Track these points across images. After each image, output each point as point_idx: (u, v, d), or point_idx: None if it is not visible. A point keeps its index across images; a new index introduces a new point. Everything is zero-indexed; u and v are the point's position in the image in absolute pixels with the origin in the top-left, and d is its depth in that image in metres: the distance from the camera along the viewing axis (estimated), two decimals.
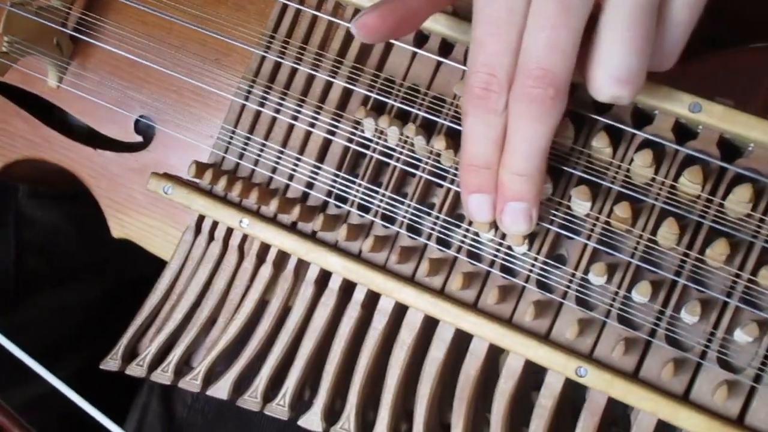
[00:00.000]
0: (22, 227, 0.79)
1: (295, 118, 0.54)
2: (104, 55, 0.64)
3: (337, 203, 0.53)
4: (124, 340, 0.56)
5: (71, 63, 0.64)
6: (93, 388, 0.70)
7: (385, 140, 0.51)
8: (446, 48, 0.52)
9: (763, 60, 0.55)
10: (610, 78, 0.41)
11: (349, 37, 0.53)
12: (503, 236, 0.49)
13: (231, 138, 0.55)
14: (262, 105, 0.55)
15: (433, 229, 0.50)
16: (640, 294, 0.45)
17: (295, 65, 0.54)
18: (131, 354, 0.57)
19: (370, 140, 0.52)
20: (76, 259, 0.81)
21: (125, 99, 0.63)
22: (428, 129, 0.51)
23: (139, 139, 0.64)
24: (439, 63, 0.51)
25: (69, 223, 0.81)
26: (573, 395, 0.49)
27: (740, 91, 0.53)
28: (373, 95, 0.52)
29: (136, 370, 0.56)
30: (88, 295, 0.81)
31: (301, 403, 0.54)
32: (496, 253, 0.49)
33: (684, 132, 0.48)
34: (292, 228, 0.53)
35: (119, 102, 0.63)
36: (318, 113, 0.53)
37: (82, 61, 0.65)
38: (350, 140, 0.53)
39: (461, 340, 0.50)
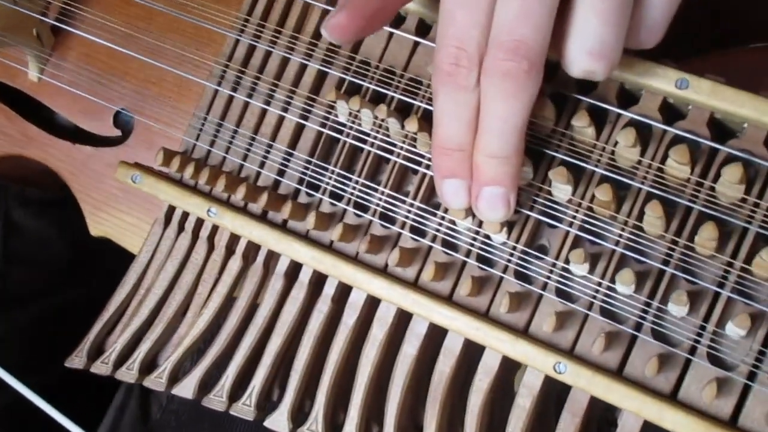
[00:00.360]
0: (10, 236, 0.77)
1: (268, 104, 0.52)
2: (84, 46, 0.62)
3: (309, 191, 0.50)
4: (90, 337, 0.54)
5: (52, 54, 0.63)
6: (77, 396, 0.68)
7: (359, 125, 0.49)
8: (423, 28, 0.49)
9: (763, 60, 0.52)
10: (583, 51, 0.38)
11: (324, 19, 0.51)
12: (480, 224, 0.46)
13: (203, 125, 0.53)
14: (234, 90, 0.53)
15: (407, 217, 0.47)
16: (624, 284, 0.42)
17: (270, 48, 0.52)
18: (97, 351, 0.54)
19: (344, 125, 0.50)
20: (64, 269, 0.79)
21: (105, 91, 0.61)
22: (405, 113, 0.48)
23: (117, 133, 0.62)
24: (416, 44, 0.49)
25: (58, 233, 0.79)
26: (561, 395, 0.45)
27: None
28: (348, 78, 0.50)
29: (101, 368, 0.53)
30: (74, 305, 0.79)
31: (269, 403, 0.51)
32: (473, 243, 0.46)
33: (673, 113, 0.44)
34: (262, 218, 0.51)
35: (98, 95, 0.61)
36: (291, 98, 0.51)
37: (61, 54, 0.63)
38: (323, 125, 0.50)
39: (436, 336, 0.47)
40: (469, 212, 0.45)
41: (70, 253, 0.79)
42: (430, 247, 0.47)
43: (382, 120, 0.48)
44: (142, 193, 0.59)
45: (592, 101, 0.45)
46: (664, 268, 0.42)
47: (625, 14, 0.38)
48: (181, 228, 0.53)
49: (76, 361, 0.54)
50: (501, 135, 0.39)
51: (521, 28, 0.37)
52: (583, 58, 0.38)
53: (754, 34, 0.53)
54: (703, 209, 0.42)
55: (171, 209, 0.53)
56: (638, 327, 0.43)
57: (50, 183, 0.73)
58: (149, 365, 0.53)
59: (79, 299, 0.79)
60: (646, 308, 0.43)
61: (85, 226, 0.63)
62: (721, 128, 0.44)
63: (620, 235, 0.43)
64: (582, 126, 0.44)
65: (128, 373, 0.52)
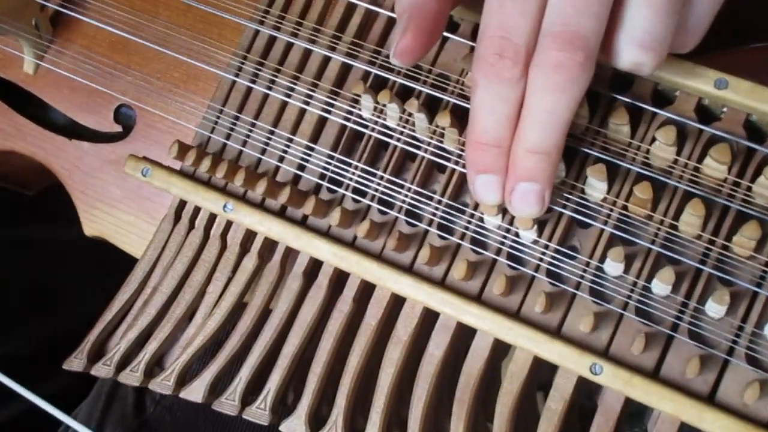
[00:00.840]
0: None
1: (288, 96, 0.50)
2: (86, 35, 0.60)
3: (331, 187, 0.49)
4: (91, 337, 0.51)
5: (54, 41, 0.61)
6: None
7: (384, 119, 0.48)
8: (451, 24, 0.49)
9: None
10: (633, 42, 0.38)
11: (348, 12, 0.50)
12: (511, 222, 0.45)
13: (218, 117, 0.51)
14: (253, 82, 0.51)
15: (434, 215, 0.46)
16: (662, 282, 0.41)
17: (291, 40, 0.51)
18: (98, 352, 0.52)
19: (368, 121, 0.48)
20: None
21: (106, 83, 0.59)
22: (431, 109, 0.47)
23: (118, 129, 0.60)
24: (445, 39, 0.48)
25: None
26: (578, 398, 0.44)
27: None
28: (374, 71, 0.49)
29: (102, 370, 0.50)
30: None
31: (283, 407, 0.49)
32: (503, 241, 0.45)
33: (706, 115, 0.44)
34: (280, 213, 0.49)
35: (97, 92, 0.59)
36: (313, 91, 0.50)
37: (60, 46, 0.61)
38: (347, 119, 0.49)
39: (463, 337, 0.46)
40: (500, 209, 0.44)
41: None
42: (459, 246, 0.46)
43: (410, 115, 0.46)
44: (142, 190, 0.58)
45: (627, 100, 0.44)
46: (702, 267, 0.42)
47: (676, 8, 0.37)
48: (191, 224, 0.51)
49: (76, 363, 0.51)
50: (545, 129, 0.38)
51: (578, 17, 0.36)
52: (633, 49, 0.38)
53: (754, 34, 0.53)
54: (741, 209, 0.42)
55: (181, 205, 0.51)
56: (675, 328, 0.42)
57: (33, 182, 0.70)
58: (155, 367, 0.51)
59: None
60: (682, 309, 0.42)
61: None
62: (755, 131, 0.44)
63: (656, 235, 0.43)
64: (619, 124, 0.43)
65: (132, 376, 0.50)
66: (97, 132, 0.60)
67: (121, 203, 0.59)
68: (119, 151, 0.59)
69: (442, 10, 0.41)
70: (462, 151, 0.46)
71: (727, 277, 0.42)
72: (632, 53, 0.38)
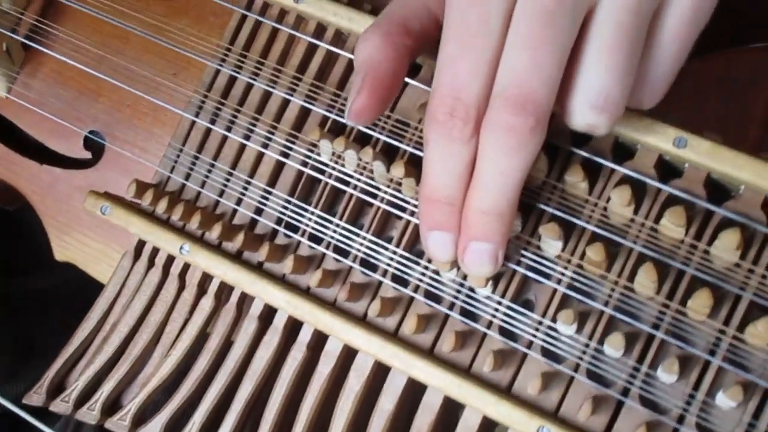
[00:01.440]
0: None
1: (248, 138, 0.49)
2: (56, 64, 0.60)
3: (287, 232, 0.48)
4: (51, 373, 0.51)
5: (20, 72, 0.60)
6: None
7: (342, 165, 0.47)
8: (413, 68, 0.47)
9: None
10: (588, 104, 0.37)
11: (309, 53, 0.49)
12: (465, 276, 0.44)
13: (178, 156, 0.51)
14: (213, 122, 0.50)
15: (389, 265, 0.46)
16: (613, 347, 0.40)
17: (251, 80, 0.50)
18: (58, 388, 0.52)
19: (326, 165, 0.48)
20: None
21: (75, 112, 0.59)
22: (390, 155, 0.46)
23: (88, 155, 0.60)
24: (405, 84, 0.47)
25: None
26: None
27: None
28: (332, 116, 0.48)
29: (60, 406, 0.50)
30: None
31: None
32: (457, 295, 0.44)
33: (668, 169, 0.43)
34: (237, 257, 0.48)
35: (69, 116, 0.58)
36: (272, 133, 0.49)
37: (32, 71, 0.61)
38: (305, 164, 0.48)
39: (415, 391, 0.45)
40: (454, 264, 0.43)
41: None
42: (412, 298, 0.45)
43: (367, 162, 0.46)
44: (103, 218, 0.57)
45: (586, 154, 0.43)
46: (654, 332, 0.41)
47: (632, 69, 0.36)
48: (151, 263, 0.50)
49: (35, 398, 0.51)
50: (497, 191, 0.38)
51: (530, 80, 0.35)
52: (587, 111, 0.37)
53: (754, 34, 0.52)
54: (697, 273, 0.41)
55: (141, 242, 0.51)
56: (626, 392, 0.41)
57: (8, 199, 0.70)
58: (112, 406, 0.50)
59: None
60: (634, 373, 0.41)
61: None
62: (717, 186, 0.42)
63: (610, 295, 0.42)
64: (576, 181, 0.42)
65: (89, 414, 0.50)
66: (67, 158, 0.60)
67: (92, 231, 0.59)
68: (89, 178, 0.59)
69: (399, 70, 0.40)
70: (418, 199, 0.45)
71: (679, 343, 0.41)
72: (586, 115, 0.37)
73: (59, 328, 0.74)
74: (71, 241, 0.59)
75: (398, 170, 0.44)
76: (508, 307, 0.43)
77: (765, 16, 0.57)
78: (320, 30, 0.49)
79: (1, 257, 0.74)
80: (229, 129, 0.50)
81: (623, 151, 0.44)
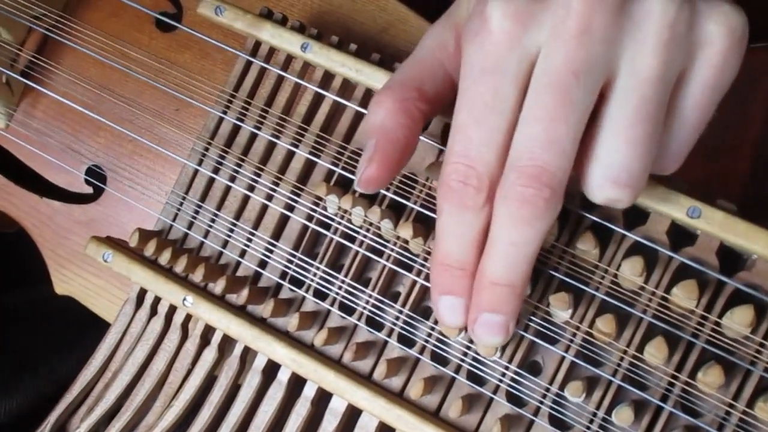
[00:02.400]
0: None
1: (252, 189, 0.49)
2: (54, 101, 0.59)
3: (292, 287, 0.47)
4: (52, 418, 0.51)
5: (19, 106, 0.59)
6: None
7: (349, 220, 0.46)
8: None
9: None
10: (608, 179, 0.35)
11: (316, 102, 0.48)
12: (472, 340, 0.43)
13: (181, 204, 0.50)
14: (216, 171, 0.49)
15: (395, 324, 0.45)
16: (621, 421, 0.40)
17: (256, 130, 0.49)
18: None
19: (332, 219, 0.47)
20: None
21: (75, 147, 0.57)
22: (397, 210, 0.46)
23: (89, 190, 0.59)
24: None
25: None
26: None
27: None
28: (338, 170, 0.47)
29: None
30: None
31: None
32: (464, 358, 0.44)
33: (681, 233, 0.42)
34: (240, 310, 0.48)
35: (68, 152, 0.57)
36: (277, 184, 0.48)
37: (30, 106, 0.60)
38: (310, 218, 0.47)
39: None
40: (462, 329, 0.43)
41: None
42: (417, 359, 0.45)
43: (372, 221, 0.45)
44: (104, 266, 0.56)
45: (597, 219, 0.42)
46: (662, 405, 0.41)
47: (654, 142, 0.35)
48: (153, 311, 0.50)
49: None
50: (509, 262, 0.37)
51: (545, 153, 0.34)
52: (608, 185, 0.35)
53: (754, 34, 0.52)
54: (706, 346, 0.40)
55: (143, 289, 0.50)
56: None
57: (9, 222, 0.69)
58: None
59: None
60: None
61: None
62: (729, 254, 0.42)
63: (618, 364, 0.41)
64: (587, 249, 0.41)
65: None
66: (67, 192, 0.59)
67: (91, 266, 0.58)
68: (90, 212, 0.58)
69: (412, 138, 0.39)
70: (427, 256, 0.44)
71: (688, 417, 0.40)
72: (608, 190, 0.36)
73: (52, 344, 0.74)
74: (70, 275, 0.59)
75: (406, 231, 0.43)
76: (516, 372, 0.43)
77: (765, 17, 0.56)
78: (327, 78, 0.48)
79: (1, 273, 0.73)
80: (233, 179, 0.49)
81: (635, 214, 0.43)
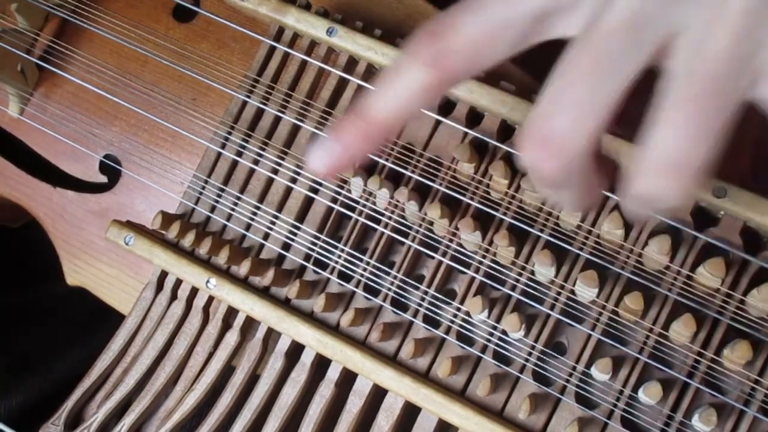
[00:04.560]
0: None
1: (276, 171, 0.49)
2: (71, 86, 0.59)
3: (316, 269, 0.47)
4: (69, 404, 0.50)
5: (34, 93, 0.59)
6: None
7: (374, 203, 0.47)
8: (447, 106, 0.47)
9: None
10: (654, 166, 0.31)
11: (340, 87, 0.49)
12: (497, 319, 0.44)
13: (203, 188, 0.50)
14: (239, 154, 0.50)
15: (420, 305, 0.45)
16: (649, 396, 0.40)
17: (280, 113, 0.49)
18: (76, 420, 0.51)
19: (357, 201, 0.47)
20: None
21: (91, 136, 0.57)
22: (422, 192, 0.46)
23: (103, 179, 0.59)
24: (438, 122, 0.47)
25: None
26: None
27: None
28: None
29: None
30: None
31: None
32: (489, 338, 0.44)
33: (704, 215, 0.43)
34: (263, 292, 0.48)
35: (84, 139, 0.57)
36: (301, 168, 0.48)
37: (46, 92, 0.59)
38: (335, 200, 0.48)
39: (442, 430, 0.45)
40: (486, 305, 0.43)
41: None
42: (443, 339, 0.45)
43: (398, 201, 0.45)
44: (125, 249, 0.56)
45: None
46: (689, 381, 0.41)
47: (714, 131, 0.30)
48: (174, 295, 0.50)
49: (53, 429, 0.50)
50: None
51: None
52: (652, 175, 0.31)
53: None
54: (731, 322, 0.41)
55: (164, 274, 0.50)
56: None
57: (17, 216, 0.69)
58: None
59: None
60: (668, 421, 0.41)
61: None
62: (752, 235, 0.43)
63: (645, 342, 0.42)
64: (613, 228, 0.42)
65: None
66: (82, 181, 0.59)
67: (105, 256, 0.58)
68: (104, 202, 0.58)
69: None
70: (453, 237, 0.45)
71: (713, 392, 0.41)
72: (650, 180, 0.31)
73: (52, 343, 0.73)
74: (83, 265, 0.58)
75: (434, 211, 0.44)
76: (542, 351, 0.43)
77: None
78: (351, 63, 0.49)
79: (1, 270, 0.72)
80: (256, 162, 0.49)
81: None
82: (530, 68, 0.51)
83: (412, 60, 0.32)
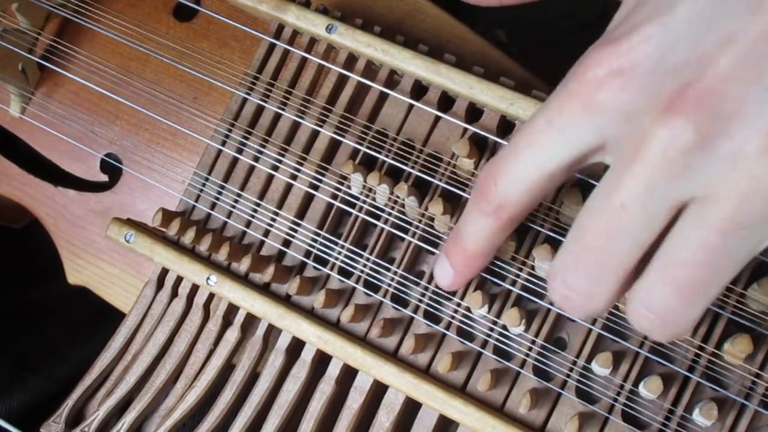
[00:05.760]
0: None
1: (276, 168, 0.49)
2: (72, 86, 0.59)
3: (316, 265, 0.47)
4: (70, 402, 0.50)
5: (36, 93, 0.59)
6: None
7: (374, 199, 0.47)
8: (446, 102, 0.47)
9: None
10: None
11: (339, 84, 0.49)
12: (498, 314, 0.44)
13: (203, 185, 0.50)
14: (240, 151, 0.50)
15: (420, 300, 0.45)
16: (650, 391, 0.40)
17: (280, 110, 0.49)
18: (77, 417, 0.51)
19: (357, 198, 0.47)
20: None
21: (92, 135, 0.58)
22: (421, 189, 0.46)
23: (104, 178, 0.59)
24: (438, 118, 0.47)
25: None
26: None
27: None
28: (363, 149, 0.47)
29: None
30: None
31: None
32: (490, 333, 0.44)
33: None
34: (264, 289, 0.48)
35: (85, 138, 0.58)
36: (301, 164, 0.48)
37: (48, 91, 0.60)
38: (335, 196, 0.48)
39: (446, 428, 0.45)
40: (486, 300, 0.43)
41: None
42: (444, 335, 0.45)
43: (398, 197, 0.45)
44: (126, 246, 0.56)
45: None
46: (689, 375, 0.41)
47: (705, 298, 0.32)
48: (174, 292, 0.50)
49: (53, 427, 0.50)
50: None
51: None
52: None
53: None
54: (732, 316, 0.41)
55: (164, 271, 0.50)
56: None
57: (20, 217, 0.69)
58: None
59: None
60: (669, 416, 0.41)
61: None
62: None
63: (645, 338, 0.42)
64: None
65: None
66: (83, 180, 0.59)
67: (106, 254, 0.58)
68: (105, 201, 0.58)
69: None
70: None
71: (714, 386, 0.41)
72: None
73: (53, 343, 0.73)
74: (85, 264, 0.59)
75: (435, 207, 0.44)
76: (542, 346, 0.43)
77: None
78: (351, 60, 0.49)
79: (2, 271, 0.73)
80: (256, 159, 0.49)
81: None
82: (528, 64, 0.51)
83: (479, 216, 0.37)
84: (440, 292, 0.45)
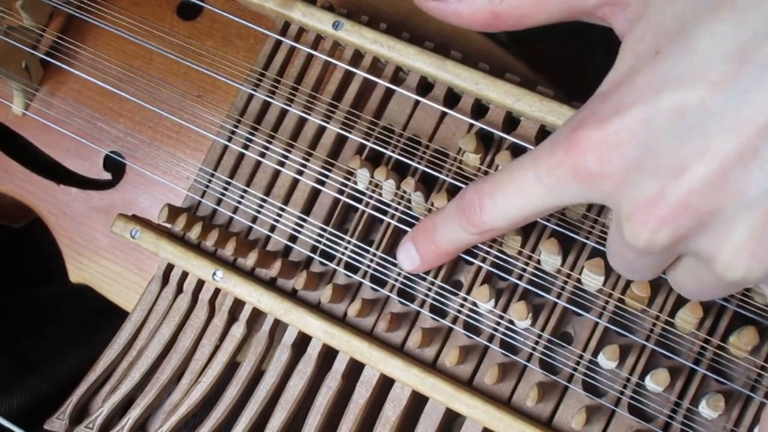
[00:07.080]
0: None
1: (282, 164, 0.49)
2: (76, 83, 0.59)
3: (323, 260, 0.48)
4: (74, 398, 0.50)
5: (39, 89, 0.59)
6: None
7: (380, 194, 0.47)
8: (452, 98, 0.48)
9: None
10: None
11: (345, 80, 0.49)
12: (504, 308, 0.44)
13: (209, 181, 0.50)
14: (246, 147, 0.50)
15: (427, 295, 0.45)
16: (656, 383, 0.40)
17: (286, 106, 0.49)
18: (81, 414, 0.51)
19: (363, 193, 0.47)
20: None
21: (95, 132, 0.58)
22: (427, 184, 0.46)
23: (107, 176, 0.59)
24: (444, 114, 0.47)
25: None
26: None
27: None
28: (370, 144, 0.48)
29: None
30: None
31: None
32: (497, 327, 0.44)
33: None
34: (270, 284, 0.48)
35: (89, 135, 0.58)
36: (307, 160, 0.49)
37: (51, 88, 0.60)
38: (341, 192, 0.48)
39: (452, 421, 0.45)
40: (492, 294, 0.43)
41: None
42: (450, 329, 0.45)
43: (405, 192, 0.46)
44: (131, 242, 0.56)
45: None
46: (696, 368, 0.41)
47: None
48: (179, 288, 0.50)
49: (57, 424, 0.50)
50: None
51: None
52: None
53: None
54: (738, 309, 0.41)
55: (169, 267, 0.50)
56: (667, 427, 0.42)
57: (20, 216, 0.69)
58: None
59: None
60: (675, 408, 0.41)
61: None
62: None
63: (651, 330, 0.42)
64: None
65: None
66: (86, 178, 0.59)
67: (109, 253, 0.58)
68: (108, 199, 0.58)
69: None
70: None
71: (720, 378, 0.41)
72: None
73: (53, 343, 0.73)
74: (86, 262, 0.59)
75: (440, 201, 0.44)
76: (549, 340, 0.43)
77: None
78: (357, 57, 0.49)
79: (2, 271, 0.72)
80: (262, 155, 0.49)
81: None
82: (529, 64, 0.52)
83: (459, 228, 0.39)
84: (446, 287, 0.45)
